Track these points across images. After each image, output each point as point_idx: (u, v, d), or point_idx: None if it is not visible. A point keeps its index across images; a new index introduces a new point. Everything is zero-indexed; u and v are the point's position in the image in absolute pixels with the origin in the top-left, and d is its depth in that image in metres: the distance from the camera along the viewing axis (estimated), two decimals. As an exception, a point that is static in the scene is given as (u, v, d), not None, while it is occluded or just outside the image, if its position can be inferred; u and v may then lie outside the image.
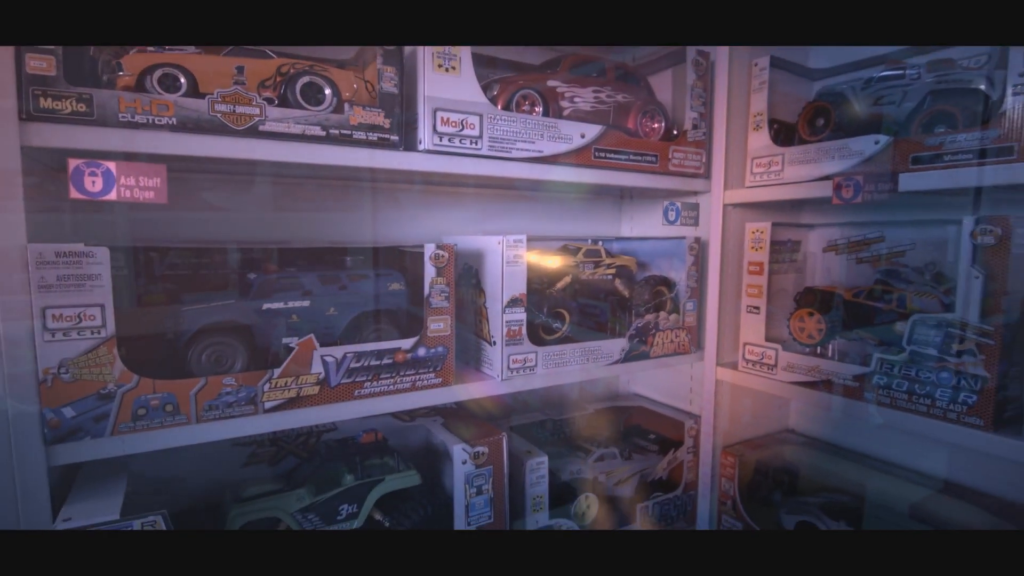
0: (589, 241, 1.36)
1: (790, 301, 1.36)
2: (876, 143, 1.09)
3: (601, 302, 1.33)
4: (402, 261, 1.10)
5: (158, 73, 0.79)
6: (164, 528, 0.78)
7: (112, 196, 0.78)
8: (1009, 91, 0.93)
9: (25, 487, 0.74)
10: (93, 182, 0.76)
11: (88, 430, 0.77)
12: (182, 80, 0.80)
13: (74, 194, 0.76)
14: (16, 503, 0.74)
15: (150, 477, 1.05)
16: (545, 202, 1.55)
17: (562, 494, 1.28)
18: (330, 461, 1.09)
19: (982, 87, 1.03)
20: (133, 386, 0.79)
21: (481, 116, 1.03)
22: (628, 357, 1.27)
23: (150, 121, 0.78)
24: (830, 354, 1.24)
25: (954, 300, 0.98)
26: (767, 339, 1.30)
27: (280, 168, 1.06)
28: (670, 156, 1.29)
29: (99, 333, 0.76)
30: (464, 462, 1.06)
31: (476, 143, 1.03)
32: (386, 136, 0.95)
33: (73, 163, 0.75)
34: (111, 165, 0.78)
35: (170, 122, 0.79)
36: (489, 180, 1.21)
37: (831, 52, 1.45)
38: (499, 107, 1.09)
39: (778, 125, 1.32)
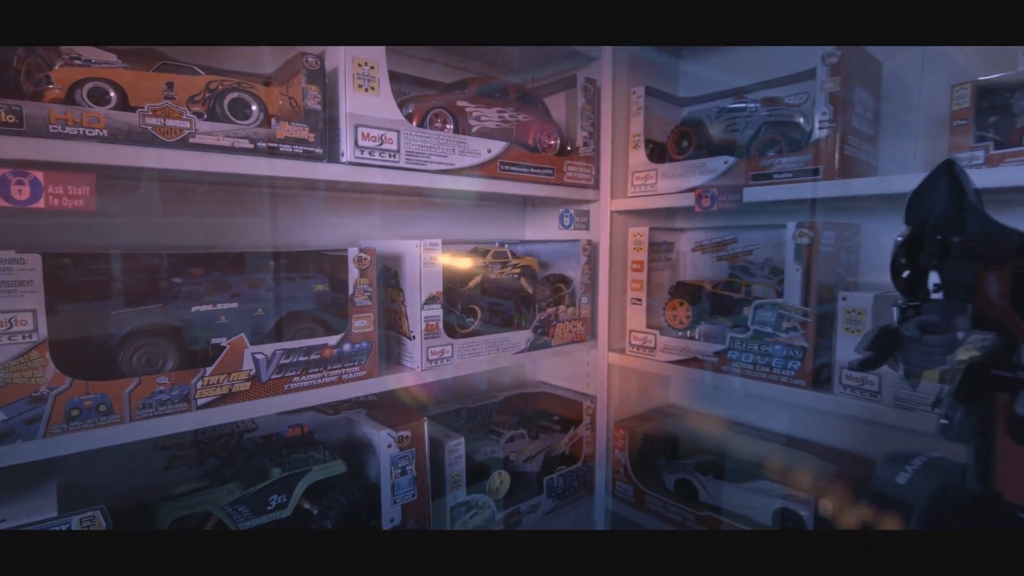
0: (496, 244, 1.51)
1: (666, 293, 1.59)
2: (726, 162, 1.34)
3: (507, 299, 1.48)
4: (325, 264, 1.18)
5: (88, 86, 0.82)
6: (103, 525, 0.82)
7: (40, 204, 0.80)
8: (816, 125, 1.21)
9: (-49, 493, 0.75)
10: (20, 191, 0.78)
11: (20, 433, 0.78)
12: (112, 94, 0.84)
13: (1, 202, 0.77)
14: (-60, 510, 0.74)
15: (74, 481, 1.04)
16: (456, 209, 1.68)
17: (478, 473, 1.41)
18: (256, 457, 1.15)
19: (800, 121, 1.31)
20: (66, 388, 0.81)
21: (399, 132, 1.14)
22: (533, 346, 1.44)
23: (81, 133, 0.81)
24: (697, 336, 1.48)
25: (783, 288, 1.25)
26: (648, 326, 1.52)
27: (209, 177, 1.10)
28: (564, 169, 1.47)
29: (30, 337, 0.78)
30: (389, 446, 1.16)
31: (394, 156, 1.14)
32: (311, 149, 1.03)
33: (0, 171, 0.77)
34: (39, 174, 0.80)
35: (101, 134, 0.82)
36: (405, 189, 1.32)
37: (696, 83, 1.71)
38: (414, 123, 1.20)
39: (653, 144, 1.55)
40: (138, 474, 1.12)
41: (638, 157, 1.53)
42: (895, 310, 0.60)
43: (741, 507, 1.40)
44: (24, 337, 0.78)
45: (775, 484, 1.37)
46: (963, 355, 0.58)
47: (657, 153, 1.55)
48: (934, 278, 0.57)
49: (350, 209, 1.45)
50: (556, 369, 1.82)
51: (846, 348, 1.17)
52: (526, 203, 1.85)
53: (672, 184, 1.45)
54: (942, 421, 0.58)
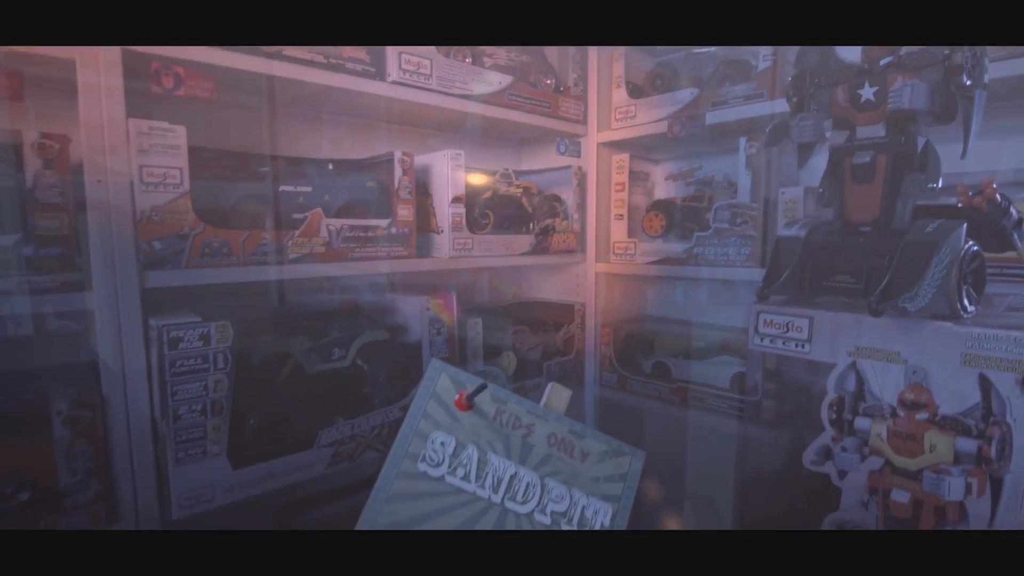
0: (503, 169, 1.80)
1: (643, 214, 1.91)
2: (692, 94, 1.66)
3: (513, 212, 1.78)
4: (374, 168, 1.46)
5: None
6: (231, 334, 1.09)
7: (180, 92, 1.07)
8: (761, 60, 1.53)
9: (124, 302, 1.01)
10: (168, 80, 1.05)
11: (170, 261, 1.05)
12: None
13: (155, 88, 1.04)
14: (117, 314, 1.01)
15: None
16: (465, 145, 1.96)
17: (490, 353, 1.71)
18: (321, 320, 1.42)
19: (748, 58, 1.62)
20: (201, 231, 1.08)
21: (432, 60, 1.42)
22: (534, 251, 1.73)
23: (210, 38, 1.07)
24: (668, 240, 1.80)
25: (737, 193, 1.57)
26: (628, 237, 1.84)
27: (293, 87, 1.35)
28: (559, 104, 1.77)
29: (178, 189, 1.05)
30: (427, 308, 1.45)
31: (428, 79, 1.42)
32: (368, 68, 1.31)
33: (155, 65, 1.04)
34: (180, 69, 1.07)
35: (223, 41, 1.09)
36: (434, 111, 1.59)
37: (666, 37, 2.02)
38: (442, 55, 1.48)
39: (632, 84, 1.85)
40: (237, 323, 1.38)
41: (620, 96, 1.83)
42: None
43: (707, 377, 1.73)
44: (174, 188, 1.04)
45: (733, 357, 1.70)
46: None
47: (635, 91, 1.86)
48: None
49: (386, 138, 1.73)
50: (551, 286, 2.12)
51: (784, 233, 1.50)
52: (522, 142, 2.14)
53: (649, 115, 1.76)
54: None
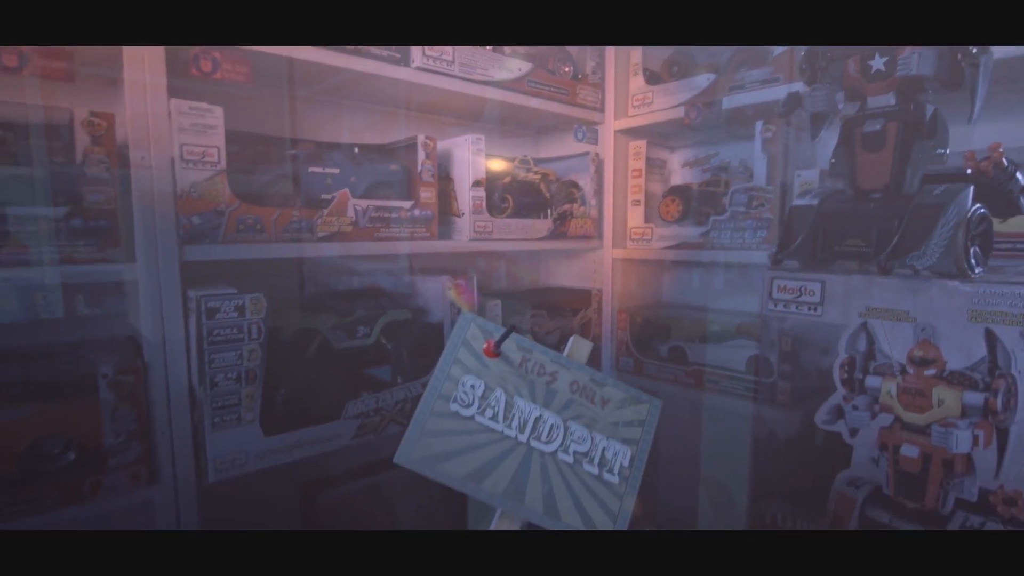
0: (521, 155, 1.83)
1: (659, 200, 1.93)
2: (708, 80, 1.68)
3: (531, 197, 1.81)
4: (398, 152, 1.50)
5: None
6: (264, 306, 1.14)
7: (218, 75, 1.12)
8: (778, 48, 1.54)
9: (165, 273, 1.06)
10: (206, 64, 1.10)
11: (208, 236, 1.11)
12: None
13: (194, 72, 1.09)
14: (158, 285, 1.06)
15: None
16: (479, 133, 1.99)
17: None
18: (347, 300, 1.47)
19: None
20: (236, 207, 1.13)
21: (454, 46, 1.46)
22: (552, 235, 1.77)
23: (245, 23, 1.12)
24: (685, 225, 1.82)
25: (753, 177, 1.59)
26: (644, 223, 1.86)
27: (322, 74, 1.39)
28: (577, 92, 1.80)
29: (216, 167, 1.10)
30: (448, 288, 1.49)
31: (451, 65, 1.46)
32: (393, 54, 1.35)
33: (194, 51, 1.09)
34: (217, 53, 1.12)
35: (257, 26, 1.14)
36: (456, 97, 1.63)
37: (682, 26, 2.04)
38: (463, 42, 1.52)
39: (649, 71, 1.88)
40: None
41: (638, 83, 1.86)
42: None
43: (722, 360, 1.75)
44: (212, 166, 1.10)
45: (749, 340, 1.72)
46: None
47: (653, 79, 1.88)
48: None
49: (407, 126, 1.77)
50: (567, 271, 2.15)
51: (800, 216, 1.51)
52: (539, 131, 2.18)
53: (666, 102, 1.78)
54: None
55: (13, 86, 0.99)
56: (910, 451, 0.75)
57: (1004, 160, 0.82)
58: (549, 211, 1.80)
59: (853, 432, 0.82)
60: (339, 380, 1.35)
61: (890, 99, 0.85)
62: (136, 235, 1.04)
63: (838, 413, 0.83)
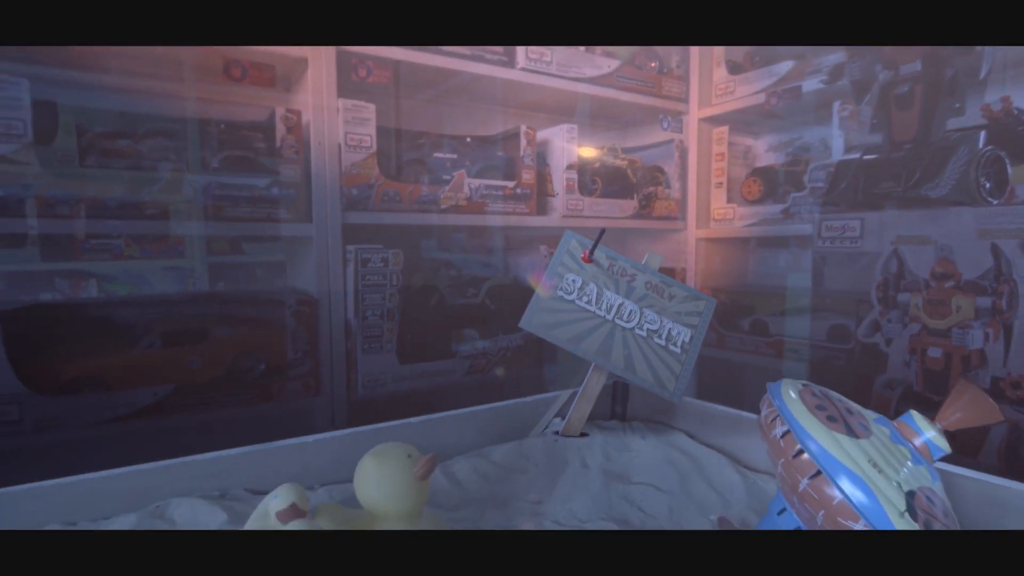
0: (610, 144, 2.05)
1: (741, 184, 2.06)
2: (788, 66, 1.80)
3: (619, 182, 2.01)
4: (503, 141, 1.77)
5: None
6: (402, 259, 1.44)
7: (371, 79, 1.44)
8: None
9: (331, 232, 1.39)
10: (363, 71, 1.43)
11: (361, 204, 1.43)
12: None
13: (354, 77, 1.42)
14: (327, 240, 1.39)
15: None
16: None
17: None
18: (456, 266, 1.76)
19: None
20: (382, 182, 1.45)
21: (551, 48, 1.71)
22: (637, 215, 1.96)
23: (391, 39, 1.44)
24: (766, 204, 1.94)
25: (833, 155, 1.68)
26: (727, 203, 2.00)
27: (446, 77, 1.70)
28: (662, 84, 1.98)
29: (369, 150, 1.42)
30: (545, 256, 1.73)
31: (549, 65, 1.71)
32: (503, 58, 1.62)
33: (354, 60, 1.42)
34: (371, 62, 1.44)
35: (399, 40, 1.45)
36: (552, 93, 1.88)
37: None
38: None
39: (732, 62, 2.02)
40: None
41: (720, 73, 2.01)
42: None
43: (803, 331, 1.84)
44: (366, 150, 1.42)
45: (830, 313, 1.80)
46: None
47: (735, 68, 2.02)
48: None
49: (510, 119, 2.05)
50: (652, 251, 2.32)
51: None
52: (625, 126, 2.37)
53: (747, 89, 1.92)
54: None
55: (237, 91, 1.37)
56: (935, 352, 0.87)
57: (1015, 108, 0.91)
58: (635, 193, 2.00)
59: (888, 342, 0.94)
60: (453, 328, 1.63)
61: (917, 66, 0.97)
62: (313, 202, 1.38)
63: (875, 327, 0.95)
